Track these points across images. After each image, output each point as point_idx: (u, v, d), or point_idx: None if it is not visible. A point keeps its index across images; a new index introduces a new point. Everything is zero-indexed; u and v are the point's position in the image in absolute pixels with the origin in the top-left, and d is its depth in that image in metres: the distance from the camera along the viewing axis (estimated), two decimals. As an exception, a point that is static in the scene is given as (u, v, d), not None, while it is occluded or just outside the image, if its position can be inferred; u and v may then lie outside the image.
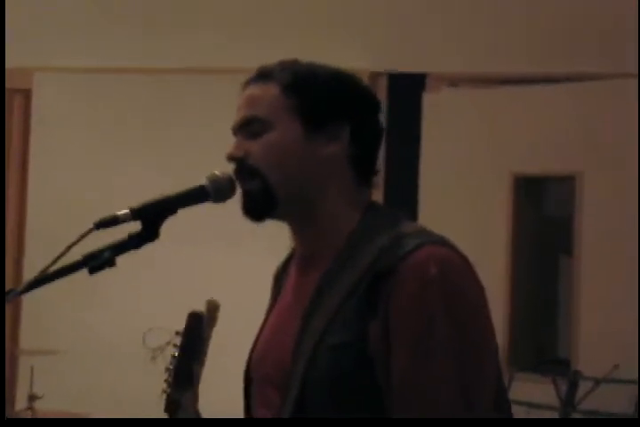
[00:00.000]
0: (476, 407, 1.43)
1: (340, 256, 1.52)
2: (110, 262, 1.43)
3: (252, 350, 1.63)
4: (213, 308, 1.57)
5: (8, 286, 4.77)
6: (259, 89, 1.56)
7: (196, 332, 1.55)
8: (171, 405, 1.55)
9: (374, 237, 1.51)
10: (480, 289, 1.49)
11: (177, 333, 1.57)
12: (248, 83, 1.58)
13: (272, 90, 1.55)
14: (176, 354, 1.57)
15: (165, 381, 1.57)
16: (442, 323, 1.43)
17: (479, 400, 1.44)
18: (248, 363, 1.63)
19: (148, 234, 1.47)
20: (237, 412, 1.67)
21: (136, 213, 1.47)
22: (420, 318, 1.43)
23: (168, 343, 1.58)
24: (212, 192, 1.53)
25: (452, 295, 1.44)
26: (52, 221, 4.67)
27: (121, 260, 1.47)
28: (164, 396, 1.56)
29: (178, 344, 1.57)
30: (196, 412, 1.57)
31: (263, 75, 1.57)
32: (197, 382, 1.56)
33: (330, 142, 1.55)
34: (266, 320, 1.65)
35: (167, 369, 1.57)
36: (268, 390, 1.55)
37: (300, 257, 1.60)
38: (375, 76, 4.50)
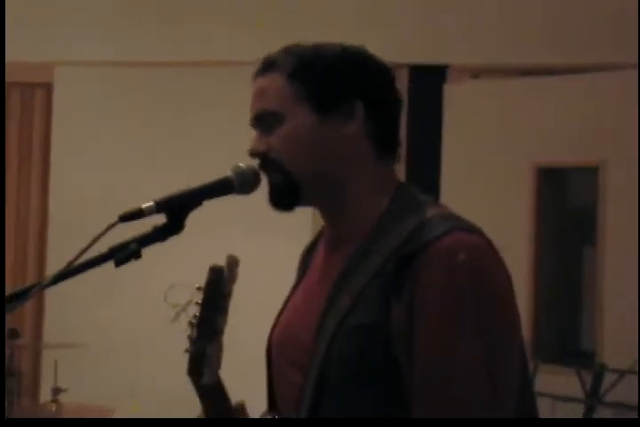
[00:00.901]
0: (501, 394, 1.42)
1: (368, 238, 1.51)
2: (136, 255, 1.43)
3: (274, 329, 1.63)
4: (233, 263, 1.56)
5: (31, 280, 4.79)
6: (264, 81, 1.55)
7: (218, 285, 1.54)
8: (195, 358, 1.54)
9: (403, 220, 1.50)
10: (507, 277, 1.49)
11: (198, 288, 1.56)
12: (255, 75, 1.58)
13: (277, 80, 1.54)
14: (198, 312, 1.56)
15: (188, 337, 1.56)
16: (468, 308, 1.42)
17: (504, 387, 1.43)
18: (269, 342, 1.63)
19: (174, 226, 1.47)
20: (259, 395, 1.67)
21: (161, 206, 1.46)
22: (446, 302, 1.42)
23: (190, 302, 1.57)
24: (237, 184, 1.52)
25: (479, 281, 1.43)
26: (75, 214, 4.69)
27: (143, 253, 1.46)
28: (187, 354, 1.56)
29: (200, 301, 1.56)
30: (219, 364, 1.56)
31: (267, 65, 1.56)
32: (221, 335, 1.55)
33: (345, 122, 1.53)
34: (289, 298, 1.64)
35: (190, 324, 1.56)
36: (290, 370, 1.55)
37: (329, 238, 1.60)
38: (396, 68, 4.47)
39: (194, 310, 1.56)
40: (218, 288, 1.54)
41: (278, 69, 1.54)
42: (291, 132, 1.52)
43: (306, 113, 1.52)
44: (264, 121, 1.54)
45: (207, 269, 1.56)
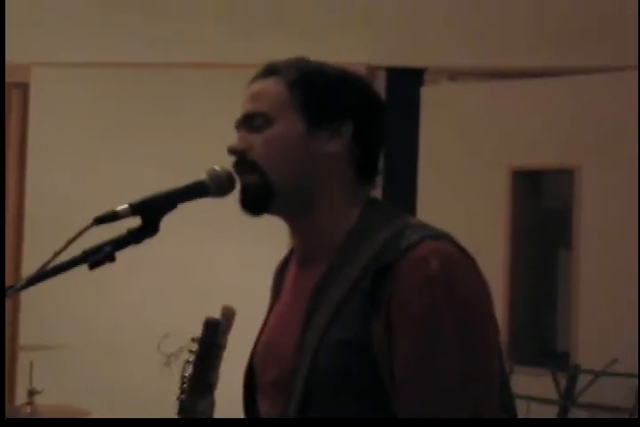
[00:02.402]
0: (480, 403, 1.43)
1: (340, 252, 1.51)
2: (110, 257, 1.43)
3: (254, 351, 1.62)
4: (230, 314, 1.55)
5: (7, 281, 4.77)
6: (264, 84, 1.57)
7: (213, 339, 1.54)
8: (187, 413, 1.54)
9: (374, 232, 1.50)
10: (482, 282, 1.49)
11: (192, 339, 1.55)
12: (254, 78, 1.59)
13: (277, 85, 1.55)
14: (191, 359, 1.55)
15: (180, 388, 1.55)
16: (444, 319, 1.42)
17: (483, 396, 1.44)
18: (249, 366, 1.62)
19: (148, 229, 1.47)
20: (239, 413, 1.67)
21: (136, 209, 1.46)
22: (421, 314, 1.42)
23: (182, 349, 1.57)
24: (212, 187, 1.53)
25: (453, 291, 1.43)
26: (51, 216, 4.67)
27: (120, 254, 1.46)
28: (178, 402, 1.55)
29: (193, 350, 1.55)
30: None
31: (270, 70, 1.57)
32: (214, 390, 1.55)
33: (331, 140, 1.54)
34: (266, 321, 1.64)
35: (182, 377, 1.55)
36: (274, 392, 1.54)
37: (300, 255, 1.60)
38: (374, 69, 4.49)
39: (186, 357, 1.55)
40: (213, 343, 1.54)
41: (280, 76, 1.56)
42: (276, 136, 1.53)
43: (296, 121, 1.54)
44: (254, 122, 1.55)
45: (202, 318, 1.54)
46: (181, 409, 1.54)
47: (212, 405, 1.55)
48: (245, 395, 1.63)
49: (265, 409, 1.58)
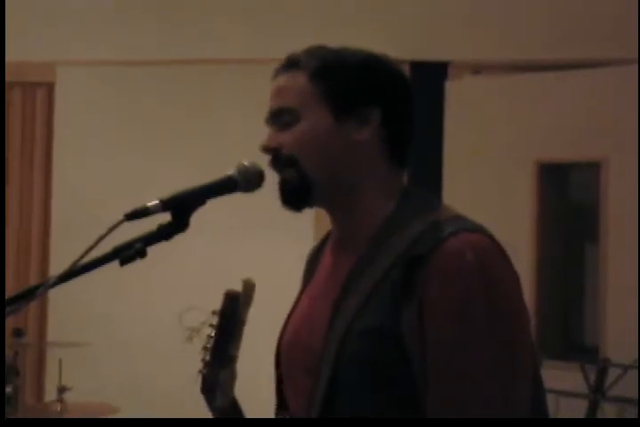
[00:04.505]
0: (515, 393, 1.42)
1: (374, 241, 1.51)
2: (141, 254, 1.43)
3: (282, 335, 1.63)
4: (249, 287, 1.57)
5: (34, 280, 4.79)
6: (287, 78, 1.56)
7: (233, 312, 1.55)
8: (208, 383, 1.56)
9: (410, 222, 1.50)
10: (514, 275, 1.49)
11: (213, 312, 1.57)
12: (277, 72, 1.58)
13: (299, 79, 1.55)
14: (212, 334, 1.57)
15: (202, 360, 1.57)
16: (479, 309, 1.42)
17: (517, 386, 1.43)
18: (278, 347, 1.63)
19: (179, 225, 1.47)
20: (268, 398, 1.67)
21: (166, 204, 1.46)
22: (456, 304, 1.42)
23: (204, 323, 1.59)
24: (241, 182, 1.53)
25: (488, 284, 1.43)
26: (77, 214, 4.69)
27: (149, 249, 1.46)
28: (200, 376, 1.57)
29: (214, 324, 1.57)
30: (232, 391, 1.57)
31: (291, 63, 1.57)
32: (235, 361, 1.57)
33: (361, 126, 1.54)
34: (297, 303, 1.64)
35: (204, 348, 1.57)
36: (301, 374, 1.55)
37: (335, 240, 1.60)
38: (397, 63, 4.47)
39: (207, 332, 1.57)
40: (233, 315, 1.55)
41: (302, 68, 1.55)
42: (306, 131, 1.53)
43: (323, 114, 1.53)
44: (282, 118, 1.55)
45: (221, 290, 1.56)
46: (203, 380, 1.56)
47: (232, 375, 1.56)
48: (276, 377, 1.63)
49: (292, 393, 1.58)
